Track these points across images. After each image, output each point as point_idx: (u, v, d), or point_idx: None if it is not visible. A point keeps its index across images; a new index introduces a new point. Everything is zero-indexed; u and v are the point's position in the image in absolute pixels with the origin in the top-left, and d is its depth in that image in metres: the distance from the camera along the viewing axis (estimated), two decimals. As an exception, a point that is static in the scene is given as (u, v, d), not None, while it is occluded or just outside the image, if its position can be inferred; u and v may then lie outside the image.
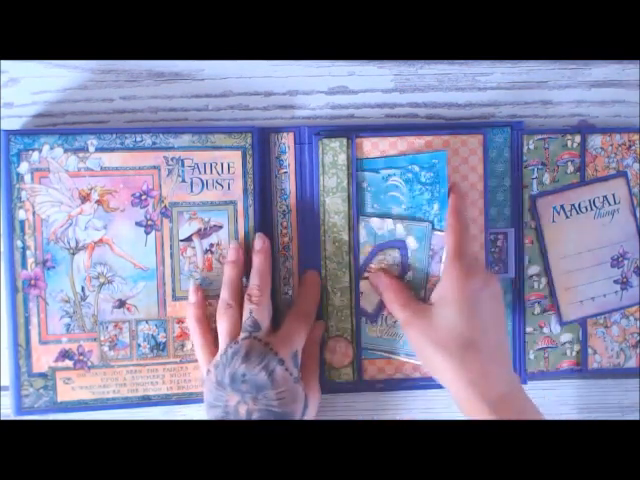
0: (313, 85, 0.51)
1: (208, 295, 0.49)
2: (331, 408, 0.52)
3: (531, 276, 0.52)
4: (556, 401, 0.53)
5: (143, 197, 0.49)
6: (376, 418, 0.52)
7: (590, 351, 0.52)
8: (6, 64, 0.49)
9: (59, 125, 0.49)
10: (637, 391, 0.53)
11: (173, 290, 0.49)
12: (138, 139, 0.48)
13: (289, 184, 0.50)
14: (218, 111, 0.51)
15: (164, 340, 0.49)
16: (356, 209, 0.49)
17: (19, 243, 0.48)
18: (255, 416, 0.43)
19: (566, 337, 0.52)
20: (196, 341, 0.48)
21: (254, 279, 0.47)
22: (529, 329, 0.52)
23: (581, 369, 0.52)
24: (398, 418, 0.52)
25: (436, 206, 0.49)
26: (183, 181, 0.49)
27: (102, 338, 0.49)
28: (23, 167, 0.47)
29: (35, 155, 0.48)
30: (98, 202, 0.48)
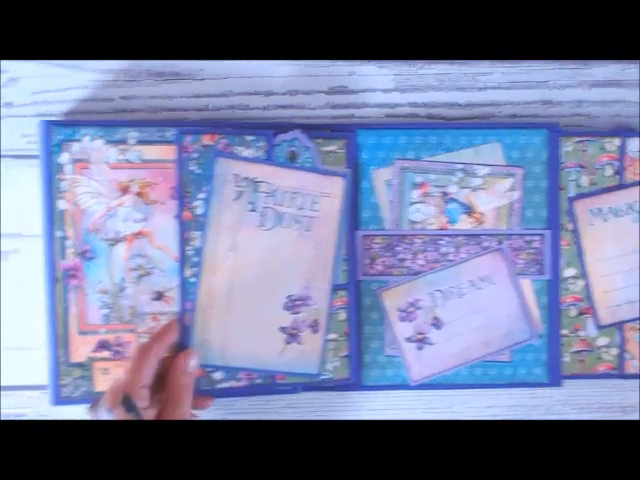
0: (313, 85, 0.51)
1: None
2: (329, 407, 0.52)
3: (567, 278, 0.51)
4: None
5: (183, 190, 0.48)
6: (377, 418, 0.52)
7: (627, 356, 0.52)
8: (6, 64, 0.49)
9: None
10: (637, 391, 0.53)
11: (210, 284, 0.49)
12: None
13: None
14: (218, 111, 0.51)
15: (200, 333, 0.49)
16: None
17: (59, 233, 0.48)
18: None
19: (602, 341, 0.52)
20: None
21: None
22: (564, 331, 0.51)
23: (618, 373, 0.52)
24: (399, 418, 0.52)
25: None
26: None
27: (140, 330, 0.49)
28: (64, 157, 0.47)
29: (76, 146, 0.48)
30: (138, 194, 0.48)
